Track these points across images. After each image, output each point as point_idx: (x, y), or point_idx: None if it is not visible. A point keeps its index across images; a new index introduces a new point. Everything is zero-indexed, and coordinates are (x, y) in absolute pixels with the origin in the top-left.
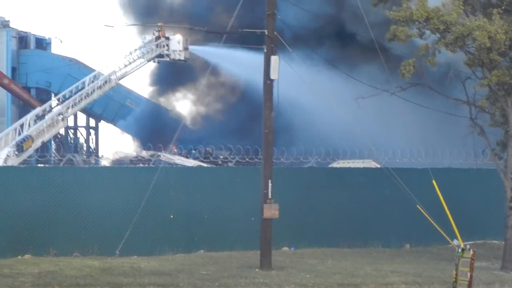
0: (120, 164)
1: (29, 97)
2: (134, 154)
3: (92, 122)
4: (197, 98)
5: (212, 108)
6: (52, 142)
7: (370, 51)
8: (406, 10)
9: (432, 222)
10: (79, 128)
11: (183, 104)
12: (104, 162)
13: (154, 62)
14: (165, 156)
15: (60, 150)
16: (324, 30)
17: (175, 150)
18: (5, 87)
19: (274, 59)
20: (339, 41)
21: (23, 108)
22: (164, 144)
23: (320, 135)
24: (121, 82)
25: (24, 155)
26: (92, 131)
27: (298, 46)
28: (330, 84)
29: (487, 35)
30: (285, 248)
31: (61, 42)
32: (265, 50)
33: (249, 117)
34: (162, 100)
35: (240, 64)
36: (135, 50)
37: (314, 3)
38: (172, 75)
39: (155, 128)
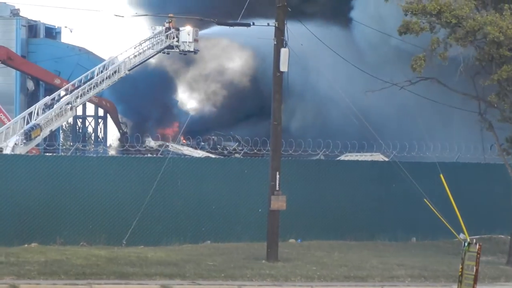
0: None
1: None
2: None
3: (101, 112)
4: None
5: (220, 98)
6: (61, 131)
7: None
8: (418, 3)
9: (439, 216)
10: (87, 117)
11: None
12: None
13: (163, 53)
14: (173, 146)
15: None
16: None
17: (184, 141)
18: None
19: (284, 51)
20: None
21: (31, 96)
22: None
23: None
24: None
25: (32, 144)
26: (100, 121)
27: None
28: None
29: (499, 30)
30: (292, 240)
31: (71, 31)
32: (275, 42)
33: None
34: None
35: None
36: (145, 40)
37: None
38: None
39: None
